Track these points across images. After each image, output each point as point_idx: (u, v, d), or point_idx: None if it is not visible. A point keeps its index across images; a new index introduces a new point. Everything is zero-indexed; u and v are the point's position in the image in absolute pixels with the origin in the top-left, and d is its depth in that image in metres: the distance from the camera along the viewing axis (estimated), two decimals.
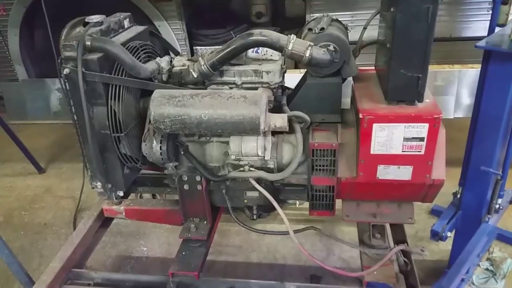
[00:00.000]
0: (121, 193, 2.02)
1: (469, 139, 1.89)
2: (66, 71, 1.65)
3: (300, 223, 2.50)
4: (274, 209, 1.87)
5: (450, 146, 1.93)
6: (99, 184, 1.92)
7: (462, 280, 2.14)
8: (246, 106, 1.60)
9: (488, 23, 2.16)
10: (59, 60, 1.67)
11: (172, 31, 3.81)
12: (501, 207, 1.99)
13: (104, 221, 2.28)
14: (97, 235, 2.26)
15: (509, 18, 1.49)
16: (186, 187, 1.96)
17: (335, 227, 2.65)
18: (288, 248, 2.53)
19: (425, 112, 1.62)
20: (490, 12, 2.26)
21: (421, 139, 1.64)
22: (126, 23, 2.01)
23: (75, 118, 1.79)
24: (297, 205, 2.82)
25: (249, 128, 1.63)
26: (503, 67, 1.63)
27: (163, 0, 3.80)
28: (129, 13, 2.05)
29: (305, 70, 1.85)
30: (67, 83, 1.70)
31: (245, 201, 2.02)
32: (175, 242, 2.60)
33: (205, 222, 2.06)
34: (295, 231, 1.88)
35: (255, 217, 2.13)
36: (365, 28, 1.94)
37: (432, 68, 3.31)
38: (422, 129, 1.62)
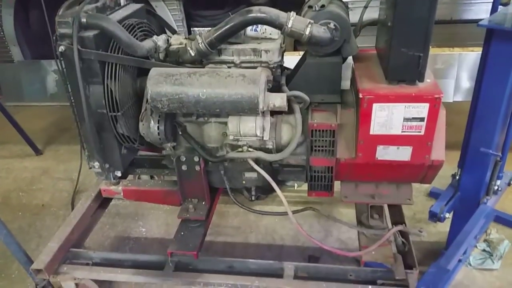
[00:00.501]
0: (118, 173, 2.01)
1: (469, 121, 1.87)
2: (61, 48, 1.62)
3: (298, 204, 2.49)
4: (272, 190, 1.86)
5: (449, 129, 1.91)
6: (96, 164, 1.91)
7: (459, 260, 2.16)
8: (244, 85, 1.58)
9: (490, 5, 2.13)
10: (54, 38, 1.64)
11: (169, 11, 3.74)
12: (499, 189, 1.99)
13: (102, 201, 2.29)
14: (95, 215, 2.26)
15: None
16: (184, 167, 1.95)
17: (334, 208, 2.66)
18: (287, 229, 2.54)
19: (426, 92, 1.60)
20: None
21: (421, 119, 1.62)
22: (122, 0, 1.97)
23: (71, 97, 1.77)
24: (295, 187, 2.83)
25: (248, 108, 1.61)
26: (506, 46, 1.61)
27: None
28: None
29: (304, 51, 1.82)
30: (62, 61, 1.67)
31: (244, 182, 2.02)
32: (173, 223, 2.61)
33: (203, 203, 2.06)
34: (294, 212, 1.88)
35: (253, 198, 2.13)
36: (365, 8, 1.90)
37: (432, 51, 3.25)
38: (422, 109, 1.61)
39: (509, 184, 2.15)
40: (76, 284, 1.97)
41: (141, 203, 2.86)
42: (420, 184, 2.59)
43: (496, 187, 1.98)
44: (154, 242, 2.54)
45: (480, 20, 1.79)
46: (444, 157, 1.74)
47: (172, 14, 3.84)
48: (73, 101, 1.77)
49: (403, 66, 1.60)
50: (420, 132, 1.65)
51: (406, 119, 1.64)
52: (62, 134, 3.78)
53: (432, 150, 1.71)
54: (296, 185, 2.82)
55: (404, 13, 1.50)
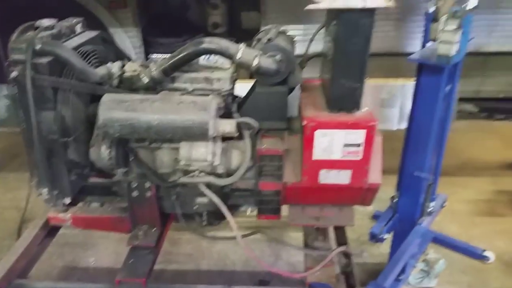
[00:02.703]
0: (67, 200, 1.98)
1: (404, 147, 2.04)
2: (14, 74, 1.63)
3: (251, 229, 2.55)
4: (225, 216, 1.92)
5: (392, 155, 2.08)
6: (45, 190, 1.88)
7: (399, 280, 2.29)
8: (195, 112, 1.66)
9: None
10: (6, 63, 1.65)
11: (128, 38, 3.81)
12: (433, 210, 2.15)
13: (50, 230, 2.24)
14: (42, 244, 2.20)
15: (438, 34, 1.65)
16: (135, 194, 1.97)
17: (284, 233, 2.73)
18: (238, 255, 2.58)
19: (362, 120, 1.74)
20: None
21: (359, 145, 1.76)
22: (78, 28, 2.01)
23: (23, 122, 1.76)
24: (248, 213, 2.89)
25: (199, 133, 1.68)
26: (433, 79, 1.80)
27: (118, 7, 3.81)
28: (82, 18, 2.05)
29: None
30: (14, 87, 1.68)
31: (195, 207, 2.05)
32: (123, 252, 2.53)
33: (154, 229, 2.07)
34: (243, 236, 1.94)
35: (204, 223, 2.16)
36: (311, 41, 2.05)
37: (378, 81, 3.52)
38: (359, 136, 1.74)
39: (442, 206, 2.33)
40: None
41: (91, 232, 2.80)
42: (365, 208, 2.76)
43: (430, 209, 2.14)
44: (103, 271, 2.49)
45: None
46: (381, 181, 1.88)
47: (130, 41, 3.91)
48: (24, 126, 1.76)
49: (343, 96, 1.74)
50: (358, 157, 1.79)
51: (345, 145, 1.77)
52: (12, 160, 3.65)
53: (369, 174, 1.84)
54: (249, 210, 2.88)
55: (342, 48, 1.66)
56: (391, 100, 3.54)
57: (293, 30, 2.14)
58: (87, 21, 2.10)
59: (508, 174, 3.34)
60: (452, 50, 1.60)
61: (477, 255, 2.51)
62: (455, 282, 2.37)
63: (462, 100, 4.13)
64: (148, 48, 3.99)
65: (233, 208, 2.63)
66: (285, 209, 2.00)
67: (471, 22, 1.66)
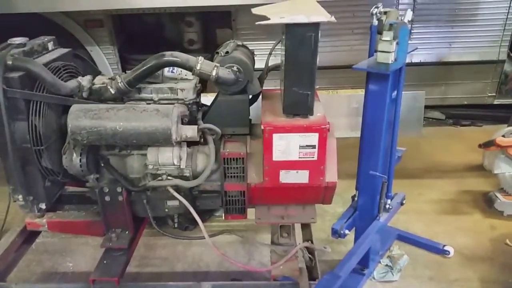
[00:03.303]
0: (43, 206, 2.09)
1: (359, 149, 2.19)
2: None
3: (225, 232, 2.66)
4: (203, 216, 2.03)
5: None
6: (20, 197, 1.99)
7: (363, 274, 2.43)
8: (158, 118, 1.79)
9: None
10: None
11: (104, 56, 3.94)
12: (390, 207, 2.30)
13: (27, 236, 2.33)
14: (20, 250, 2.29)
15: (379, 46, 1.81)
16: (107, 198, 2.08)
17: (257, 235, 2.84)
18: (212, 257, 2.68)
19: (315, 123, 1.90)
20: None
21: (313, 146, 1.91)
22: (50, 45, 2.15)
23: None
24: (223, 217, 3.01)
25: (162, 138, 1.81)
26: (379, 85, 1.96)
27: (95, 26, 3.94)
28: (54, 37, 2.19)
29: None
30: None
31: (166, 210, 2.18)
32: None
33: (126, 232, 2.18)
34: (211, 235, 2.07)
35: (175, 225, 2.28)
36: (270, 54, 2.21)
37: (347, 92, 3.69)
38: (313, 138, 1.89)
39: (402, 204, 2.47)
40: None
41: (70, 239, 2.90)
42: (334, 209, 2.90)
43: (387, 206, 2.28)
44: (82, 275, 2.57)
45: None
46: (337, 179, 2.02)
47: (107, 58, 4.03)
48: None
49: (295, 102, 1.89)
50: (313, 157, 1.93)
51: (301, 147, 1.91)
52: None
53: (326, 173, 1.99)
54: (224, 215, 3.00)
55: (292, 59, 1.81)
56: (360, 109, 3.70)
57: (265, 45, 2.28)
58: (64, 40, 2.23)
59: (472, 176, 3.51)
60: (390, 58, 1.77)
61: (439, 250, 2.65)
62: (417, 276, 2.50)
63: (429, 107, 4.35)
64: (125, 64, 4.11)
65: (207, 213, 2.76)
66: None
67: (407, 34, 1.83)
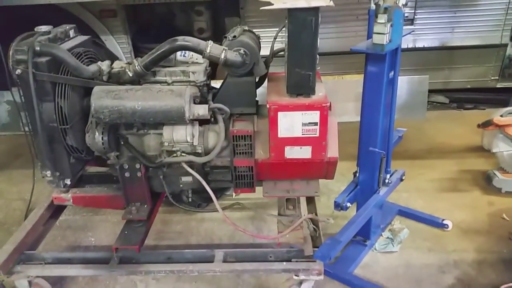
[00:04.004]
0: (68, 181, 2.28)
1: (360, 127, 2.34)
2: (18, 72, 1.93)
3: (234, 210, 2.83)
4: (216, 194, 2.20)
5: None
6: (48, 172, 2.18)
7: (366, 246, 2.59)
8: (172, 98, 1.96)
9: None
10: (11, 64, 1.95)
11: (118, 45, 4.12)
12: (390, 182, 2.44)
13: (54, 211, 2.53)
14: (47, 224, 2.49)
15: (375, 28, 1.95)
16: (127, 174, 2.25)
17: (265, 211, 3.00)
18: (224, 231, 2.86)
19: (317, 102, 2.04)
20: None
21: (315, 123, 2.06)
22: (71, 33, 2.32)
23: (26, 113, 2.07)
24: (233, 196, 3.19)
25: (176, 116, 1.98)
26: (377, 66, 2.10)
27: (109, 16, 4.12)
28: (74, 25, 2.36)
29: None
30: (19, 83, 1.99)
31: (181, 185, 2.35)
32: None
33: (145, 206, 2.35)
34: (223, 208, 2.23)
35: (190, 200, 2.46)
36: (275, 39, 2.36)
37: (353, 77, 3.83)
38: (315, 116, 2.04)
39: (401, 180, 2.62)
40: (29, 283, 2.19)
41: (91, 217, 3.11)
42: (339, 188, 3.05)
43: (387, 181, 2.43)
44: (103, 248, 2.78)
45: None
46: (338, 155, 2.17)
47: (120, 47, 4.21)
48: (27, 117, 2.07)
49: (298, 82, 2.04)
50: (315, 134, 2.08)
51: (304, 124, 2.06)
52: (15, 160, 3.95)
53: (328, 149, 2.14)
54: (234, 194, 3.17)
55: (294, 41, 1.95)
56: (357, 93, 3.82)
57: (271, 33, 2.41)
58: (80, 30, 2.40)
59: (472, 156, 3.63)
60: (384, 39, 1.91)
61: (438, 224, 2.79)
62: (417, 247, 2.65)
63: (433, 91, 4.45)
64: (138, 53, 4.28)
65: (219, 192, 2.94)
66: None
67: (401, 17, 1.96)
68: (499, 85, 4.22)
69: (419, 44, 4.10)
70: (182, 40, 2.00)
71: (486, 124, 3.02)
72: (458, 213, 2.92)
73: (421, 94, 3.88)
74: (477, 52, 4.06)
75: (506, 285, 2.28)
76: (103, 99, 1.95)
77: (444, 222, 2.78)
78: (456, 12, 3.90)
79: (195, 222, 2.97)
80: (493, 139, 3.04)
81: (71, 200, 2.36)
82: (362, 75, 3.74)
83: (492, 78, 4.20)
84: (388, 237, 2.69)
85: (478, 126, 3.12)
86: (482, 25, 3.95)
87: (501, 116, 2.96)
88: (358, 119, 2.33)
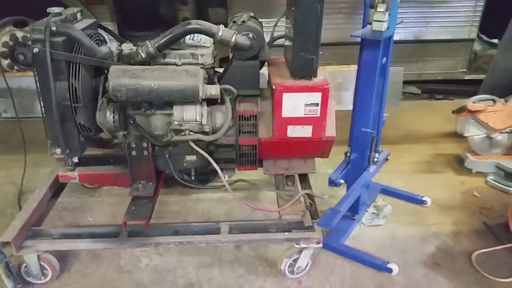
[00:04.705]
0: (75, 159, 2.34)
1: (353, 109, 2.53)
2: (35, 50, 1.98)
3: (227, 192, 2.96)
4: (208, 179, 2.30)
5: (346, 130, 2.57)
6: (58, 150, 2.23)
7: (354, 219, 2.80)
8: (188, 78, 2.07)
9: None
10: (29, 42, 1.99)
11: (104, 32, 4.13)
12: (378, 160, 2.66)
13: (55, 191, 2.58)
14: (50, 203, 2.55)
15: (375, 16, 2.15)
16: (134, 153, 2.35)
17: (260, 192, 3.17)
18: (221, 210, 2.99)
19: (318, 84, 2.22)
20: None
21: (317, 104, 2.24)
22: (78, 15, 2.38)
23: (39, 92, 2.11)
24: (226, 178, 3.32)
25: (191, 95, 2.10)
26: (371, 51, 2.29)
27: (96, 3, 4.13)
28: (81, 8, 2.42)
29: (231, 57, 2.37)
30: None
31: (185, 164, 2.47)
32: (119, 213, 2.91)
33: (150, 183, 2.46)
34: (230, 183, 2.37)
35: (193, 178, 2.57)
36: (275, 25, 2.51)
37: (334, 68, 4.03)
38: (316, 97, 2.22)
39: (386, 159, 2.85)
40: (38, 258, 2.25)
41: (87, 199, 3.15)
42: (326, 170, 3.24)
43: (375, 159, 2.65)
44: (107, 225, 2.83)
45: None
46: (335, 134, 2.36)
47: (106, 34, 4.22)
48: (40, 94, 2.11)
49: (302, 66, 2.21)
50: (316, 114, 2.26)
51: (306, 105, 2.24)
52: None
53: (326, 129, 2.33)
54: (227, 176, 3.31)
55: (300, 27, 2.12)
56: (345, 84, 4.04)
57: None
58: None
59: (445, 142, 3.93)
60: (383, 26, 2.11)
61: (417, 201, 3.05)
62: (399, 221, 2.89)
63: (407, 82, 4.75)
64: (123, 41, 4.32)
65: (211, 174, 3.05)
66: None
67: (396, 7, 2.17)
68: (466, 77, 4.58)
69: (395, 37, 4.34)
70: (195, 23, 2.12)
71: (460, 110, 3.31)
72: (434, 192, 3.19)
73: (396, 85, 4.14)
74: (448, 46, 4.39)
75: (478, 251, 2.56)
76: (121, 77, 2.03)
77: (424, 198, 3.04)
78: (431, 8, 4.20)
79: (192, 202, 3.08)
80: (466, 124, 3.33)
81: (78, 178, 2.43)
82: (342, 67, 3.99)
83: (461, 70, 4.56)
84: (373, 212, 2.92)
85: (453, 112, 3.41)
86: (453, 21, 4.28)
87: (473, 103, 3.26)
88: (337, 108, 2.51)
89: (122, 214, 2.37)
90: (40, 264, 2.26)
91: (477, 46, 4.55)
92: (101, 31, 2.50)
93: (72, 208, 3.05)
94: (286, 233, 2.30)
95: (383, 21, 2.08)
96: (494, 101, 3.32)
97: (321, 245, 2.27)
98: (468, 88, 4.74)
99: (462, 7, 4.24)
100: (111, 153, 2.76)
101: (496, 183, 3.22)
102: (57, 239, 2.27)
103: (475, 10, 4.28)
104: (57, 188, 2.64)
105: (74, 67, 2.10)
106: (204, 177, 2.94)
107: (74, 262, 2.53)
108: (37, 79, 2.08)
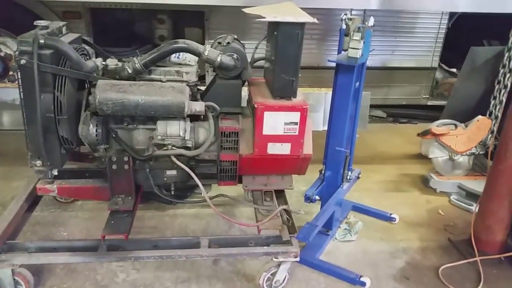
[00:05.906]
0: (55, 172, 2.34)
1: (327, 129, 2.67)
2: (22, 61, 2.00)
3: (205, 207, 3.00)
4: (184, 195, 2.39)
5: (319, 150, 2.70)
6: (38, 162, 2.22)
7: (328, 235, 2.91)
8: (174, 94, 2.14)
9: None
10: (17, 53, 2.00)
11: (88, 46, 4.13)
12: (351, 178, 2.80)
13: (31, 204, 2.54)
14: (24, 216, 2.50)
15: (349, 44, 2.31)
16: (114, 167, 2.36)
17: (236, 208, 3.22)
18: (198, 225, 3.01)
19: (297, 104, 2.34)
20: None
21: (296, 123, 2.35)
22: (64, 29, 2.41)
23: (23, 103, 2.11)
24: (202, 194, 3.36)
25: (176, 111, 2.16)
26: (346, 75, 2.44)
27: (73, 18, 4.14)
28: (66, 22, 2.45)
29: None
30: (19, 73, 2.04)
31: (165, 179, 2.51)
32: (93, 227, 2.90)
33: (129, 197, 2.47)
34: (210, 198, 2.42)
35: (172, 193, 2.60)
36: (256, 48, 2.64)
37: (305, 90, 4.20)
38: (295, 116, 2.34)
39: (358, 177, 3.00)
40: (13, 272, 2.19)
41: (60, 213, 3.10)
42: (299, 188, 3.35)
43: (348, 177, 2.79)
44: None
45: None
46: (312, 152, 2.48)
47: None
48: (24, 106, 2.11)
49: (283, 86, 2.33)
50: (295, 132, 2.38)
51: (285, 123, 2.35)
52: None
53: (304, 146, 2.44)
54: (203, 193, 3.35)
55: (282, 50, 2.25)
56: (316, 105, 4.21)
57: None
58: None
59: (410, 163, 4.15)
60: (358, 53, 2.27)
61: (386, 218, 3.20)
62: (370, 237, 3.02)
63: (373, 106, 5.00)
64: (99, 56, 4.33)
65: (189, 190, 3.08)
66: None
67: (370, 36, 2.35)
68: (429, 103, 4.89)
69: None
70: (182, 42, 2.20)
71: (425, 133, 3.53)
72: (402, 210, 3.36)
73: (364, 108, 4.36)
74: (413, 73, 4.70)
75: (444, 265, 2.72)
76: (108, 92, 2.07)
77: (392, 216, 3.20)
78: (396, 37, 4.50)
79: (168, 218, 3.10)
80: (430, 146, 3.56)
81: (56, 191, 2.41)
82: (313, 89, 4.16)
83: (424, 96, 4.86)
84: (345, 228, 3.04)
85: (418, 135, 3.63)
86: (417, 50, 4.60)
87: (437, 126, 3.49)
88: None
89: (97, 229, 2.36)
90: (14, 279, 2.20)
91: (438, 74, 4.89)
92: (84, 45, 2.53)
93: (45, 222, 2.99)
94: (265, 247, 2.36)
95: (358, 49, 2.24)
96: (455, 125, 3.57)
97: (298, 258, 2.34)
98: (430, 113, 5.05)
99: (425, 37, 4.57)
100: (87, 167, 2.77)
101: (458, 202, 3.43)
102: (34, 253, 2.23)
103: (436, 40, 4.61)
104: (32, 201, 2.59)
105: (59, 80, 2.12)
106: (181, 192, 2.97)
107: (49, 276, 2.48)
108: (21, 90, 2.09)
